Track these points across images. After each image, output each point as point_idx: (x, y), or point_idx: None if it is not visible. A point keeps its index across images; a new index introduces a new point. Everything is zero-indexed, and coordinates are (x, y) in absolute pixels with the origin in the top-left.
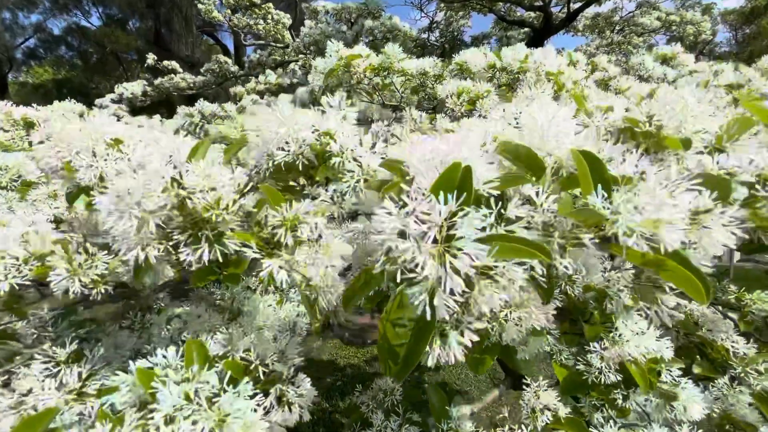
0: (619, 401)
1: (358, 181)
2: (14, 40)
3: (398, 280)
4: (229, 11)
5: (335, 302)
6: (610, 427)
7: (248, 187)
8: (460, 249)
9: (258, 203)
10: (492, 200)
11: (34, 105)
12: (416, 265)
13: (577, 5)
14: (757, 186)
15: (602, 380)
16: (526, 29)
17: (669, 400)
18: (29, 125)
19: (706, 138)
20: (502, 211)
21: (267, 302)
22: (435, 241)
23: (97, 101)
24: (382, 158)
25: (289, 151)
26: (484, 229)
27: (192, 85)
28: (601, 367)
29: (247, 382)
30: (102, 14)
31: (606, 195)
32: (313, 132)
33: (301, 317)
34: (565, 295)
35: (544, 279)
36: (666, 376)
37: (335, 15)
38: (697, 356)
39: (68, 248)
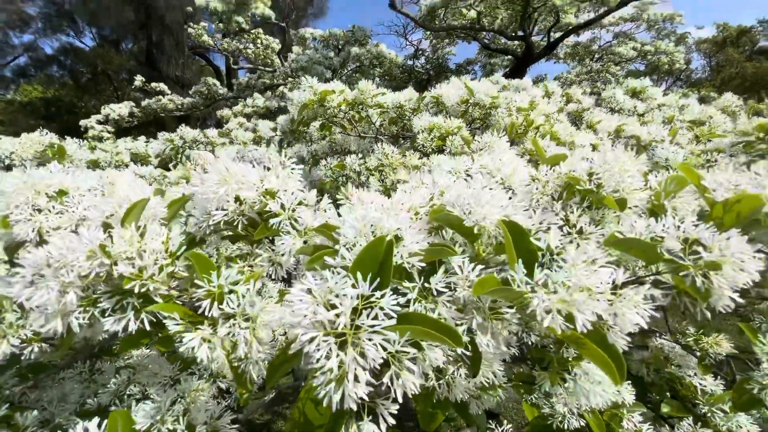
0: None
1: (294, 245)
2: (4, 58)
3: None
4: (219, 35)
5: (262, 375)
6: None
7: (182, 250)
8: (369, 339)
9: (189, 270)
10: (416, 273)
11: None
12: (322, 356)
13: (557, 35)
14: (681, 254)
15: (566, 426)
16: (509, 56)
17: None
18: None
19: (644, 196)
20: (427, 284)
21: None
22: (345, 327)
23: (82, 122)
24: (326, 219)
25: (227, 210)
26: (408, 302)
27: (180, 106)
28: (564, 412)
29: None
30: (95, 35)
31: (527, 270)
32: (255, 191)
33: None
34: (521, 341)
35: (469, 354)
36: (627, 424)
37: (323, 42)
38: (667, 393)
39: (2, 305)
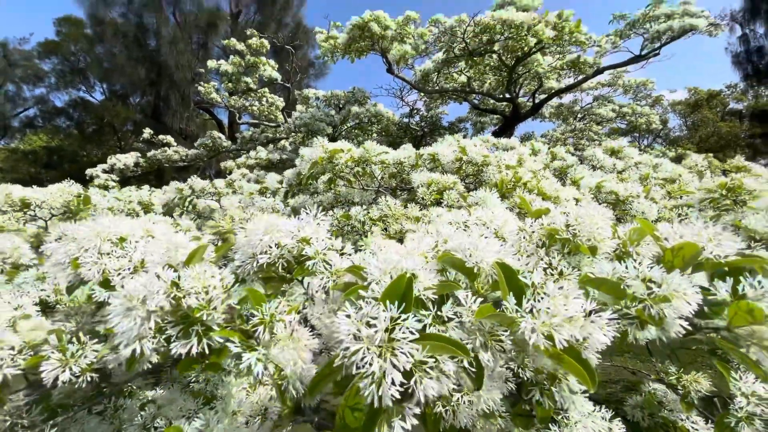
0: None
1: (328, 281)
2: (14, 109)
3: (353, 373)
4: (227, 94)
5: (303, 389)
6: None
7: (234, 286)
8: (399, 348)
9: (241, 300)
10: (430, 303)
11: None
12: (365, 363)
13: (542, 97)
14: (644, 287)
15: None
16: (498, 115)
17: None
18: (26, 205)
19: (612, 244)
20: (439, 312)
21: (240, 385)
22: (381, 341)
23: (88, 171)
24: (350, 261)
25: (270, 254)
26: (425, 327)
27: (184, 157)
28: None
29: None
30: (106, 90)
31: (517, 301)
32: (292, 238)
33: (273, 401)
34: (517, 377)
35: (474, 370)
36: None
37: (325, 101)
38: None
39: (62, 337)
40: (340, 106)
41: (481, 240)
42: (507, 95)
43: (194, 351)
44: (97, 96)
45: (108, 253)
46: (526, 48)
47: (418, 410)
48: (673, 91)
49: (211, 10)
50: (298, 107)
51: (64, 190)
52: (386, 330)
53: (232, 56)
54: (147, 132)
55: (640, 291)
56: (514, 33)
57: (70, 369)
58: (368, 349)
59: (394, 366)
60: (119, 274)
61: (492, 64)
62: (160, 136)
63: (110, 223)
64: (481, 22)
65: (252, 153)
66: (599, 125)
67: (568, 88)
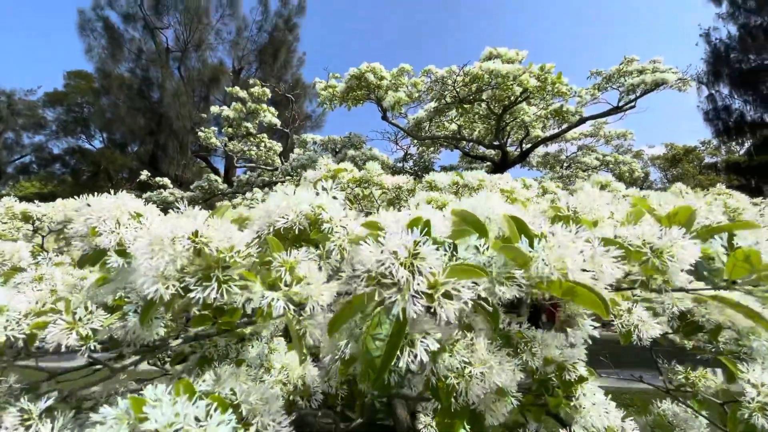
0: None
1: (343, 241)
2: (11, 156)
3: (375, 300)
4: (226, 138)
5: (320, 337)
6: None
7: (253, 243)
8: (423, 258)
9: (262, 254)
10: (446, 245)
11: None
12: (391, 273)
13: (528, 146)
14: (641, 248)
15: None
16: (487, 163)
17: None
18: (27, 218)
19: (611, 223)
20: (454, 253)
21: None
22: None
23: None
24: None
25: (287, 219)
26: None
27: (179, 199)
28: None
29: (231, 414)
30: (105, 138)
31: (529, 244)
32: (309, 205)
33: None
34: (527, 369)
35: (490, 309)
36: None
37: (322, 145)
38: None
39: (70, 304)
40: (337, 150)
41: (489, 199)
42: (496, 143)
43: (213, 296)
44: (96, 144)
45: (125, 225)
46: (512, 97)
47: (438, 336)
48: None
49: (214, 66)
50: (296, 150)
51: (66, 206)
52: (409, 247)
53: (234, 102)
54: (144, 174)
55: (642, 246)
56: (501, 82)
57: (78, 332)
58: (395, 258)
59: (420, 272)
60: (136, 240)
61: (481, 112)
62: (157, 178)
63: (129, 199)
64: (470, 72)
65: (248, 194)
66: (585, 172)
67: (554, 136)
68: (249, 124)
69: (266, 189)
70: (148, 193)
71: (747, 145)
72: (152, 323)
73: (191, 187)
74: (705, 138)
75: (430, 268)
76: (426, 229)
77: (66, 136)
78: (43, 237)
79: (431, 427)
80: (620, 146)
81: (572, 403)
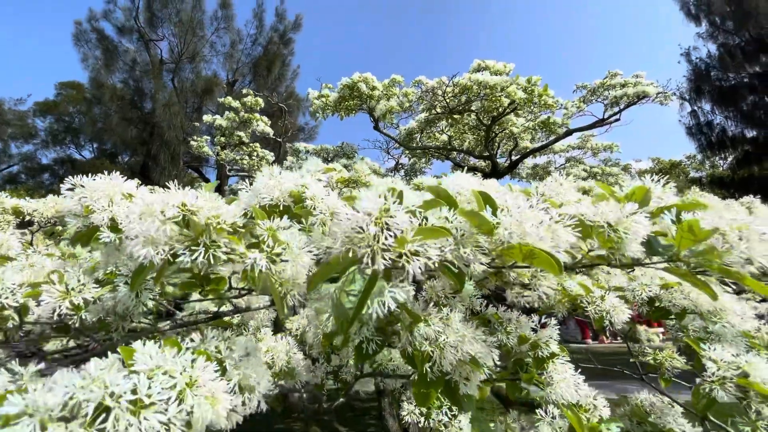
0: None
1: (325, 215)
2: None
3: (350, 259)
4: (219, 147)
5: (299, 299)
6: None
7: (239, 217)
8: (392, 216)
9: (247, 222)
10: (418, 213)
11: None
12: (363, 230)
13: (517, 157)
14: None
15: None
16: (478, 174)
17: None
18: (18, 214)
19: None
20: (425, 221)
21: None
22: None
23: None
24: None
25: (272, 197)
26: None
27: None
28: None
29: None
30: (95, 149)
31: (492, 213)
32: (293, 184)
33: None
34: (503, 348)
35: (456, 270)
36: None
37: (315, 154)
38: None
39: (63, 276)
40: (329, 159)
41: (459, 179)
42: (486, 153)
43: (200, 259)
44: (86, 154)
45: (117, 204)
46: (500, 108)
47: (409, 288)
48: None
49: (208, 78)
50: (289, 158)
51: (57, 202)
52: (381, 210)
53: (227, 112)
54: (135, 182)
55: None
56: (489, 93)
57: (71, 301)
58: (369, 219)
59: (388, 229)
60: (128, 217)
61: (470, 123)
62: (149, 187)
63: (122, 180)
64: (459, 83)
65: None
66: (574, 184)
67: (542, 147)
68: (242, 133)
69: None
70: None
71: (729, 159)
72: (141, 294)
73: None
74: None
75: (399, 225)
76: (399, 199)
77: (56, 145)
78: (32, 234)
79: (413, 413)
80: (608, 160)
81: (543, 377)
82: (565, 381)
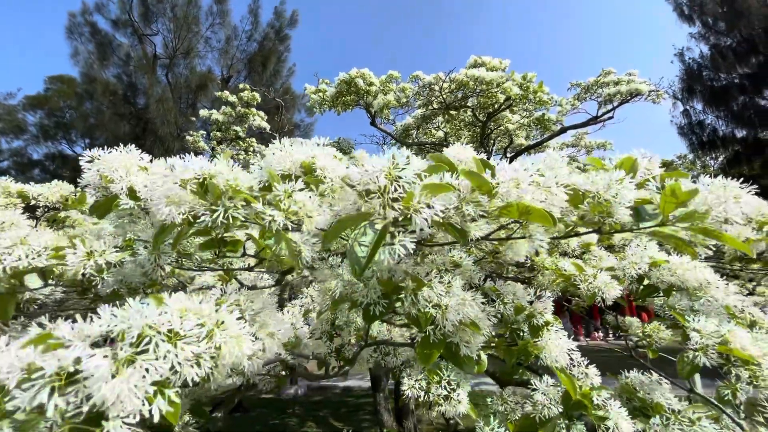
0: (563, 429)
1: (334, 183)
2: None
3: (361, 214)
4: (215, 143)
5: (310, 257)
6: None
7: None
8: (401, 170)
9: (261, 189)
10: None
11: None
12: (374, 182)
13: (512, 154)
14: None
15: (547, 414)
16: None
17: (601, 421)
18: (23, 197)
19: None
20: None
21: None
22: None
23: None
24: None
25: (284, 167)
26: None
27: None
28: (544, 400)
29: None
30: (87, 144)
31: (491, 175)
32: (304, 155)
33: None
34: (501, 319)
35: (459, 228)
36: (596, 399)
37: None
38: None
39: (85, 240)
40: None
41: (461, 148)
42: (481, 150)
43: (220, 219)
44: (77, 150)
45: (134, 175)
46: (496, 104)
47: (413, 237)
48: None
49: (202, 74)
50: None
51: (62, 187)
52: (390, 167)
53: (224, 106)
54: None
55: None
56: (485, 89)
57: (95, 262)
58: (377, 174)
59: (397, 182)
60: (146, 186)
61: (466, 119)
62: None
63: (138, 154)
64: (455, 79)
65: None
66: None
67: (537, 144)
68: (238, 128)
69: None
70: None
71: (720, 159)
72: (159, 258)
73: None
74: (681, 152)
75: (407, 179)
76: (407, 162)
77: (46, 141)
78: (37, 219)
79: (414, 387)
80: (601, 158)
81: (538, 342)
82: (558, 346)
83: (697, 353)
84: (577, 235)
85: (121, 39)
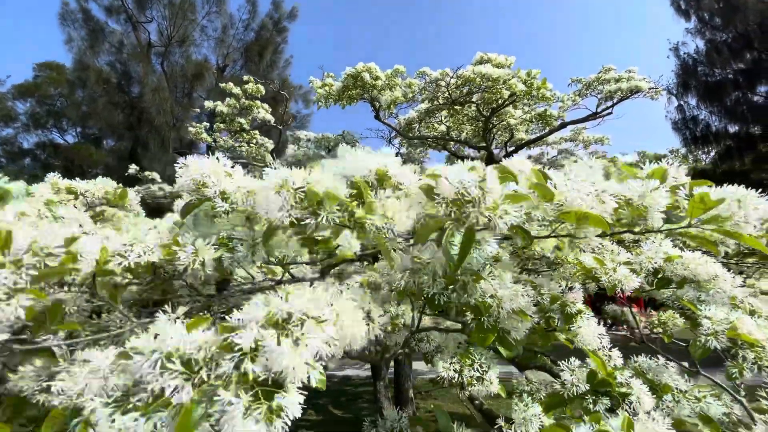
0: (590, 406)
1: (409, 189)
2: None
3: (448, 219)
4: (217, 134)
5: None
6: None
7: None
8: (487, 185)
9: (353, 195)
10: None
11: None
12: (467, 193)
13: (512, 148)
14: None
15: (575, 392)
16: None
17: (624, 397)
18: (72, 193)
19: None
20: None
21: None
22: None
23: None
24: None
25: (362, 174)
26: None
27: (168, 194)
28: (572, 379)
29: None
30: (78, 133)
31: (553, 185)
32: (377, 164)
33: None
34: (539, 307)
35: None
36: (620, 378)
37: (316, 142)
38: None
39: (195, 240)
40: (330, 147)
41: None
42: (482, 144)
43: (323, 220)
44: (69, 139)
45: (223, 181)
46: (500, 100)
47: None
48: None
49: (198, 63)
50: (290, 147)
51: (106, 183)
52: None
53: (228, 98)
54: (132, 167)
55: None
56: (491, 85)
57: (203, 258)
58: (472, 186)
59: (485, 197)
60: (239, 190)
61: (470, 114)
62: (146, 173)
63: (225, 161)
64: (462, 75)
65: None
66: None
67: (537, 139)
68: (243, 120)
69: None
70: (137, 187)
71: (712, 154)
72: (255, 254)
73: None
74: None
75: (492, 192)
76: (483, 174)
77: (37, 129)
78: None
79: (449, 370)
80: (596, 152)
81: (572, 329)
82: (591, 332)
83: (708, 337)
84: (612, 234)
85: (114, 26)
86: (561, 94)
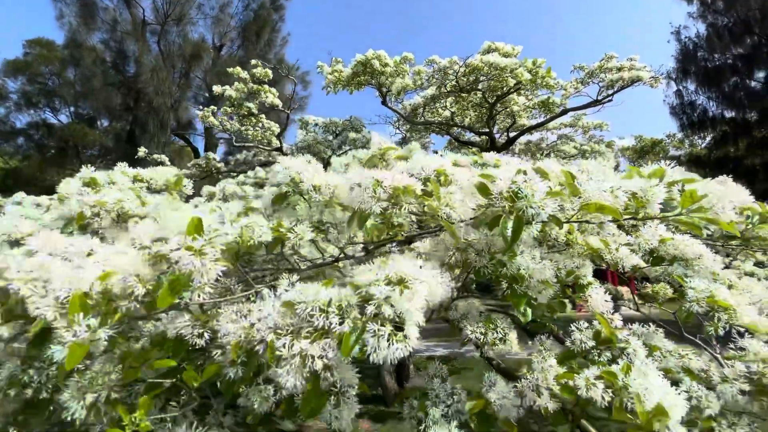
0: (596, 358)
1: (464, 187)
2: None
3: (502, 209)
4: (225, 118)
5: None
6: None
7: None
8: (533, 183)
9: (425, 192)
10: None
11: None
12: (520, 189)
13: (513, 134)
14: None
15: (583, 347)
16: (475, 149)
17: (623, 351)
18: (139, 180)
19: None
20: None
21: None
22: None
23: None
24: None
25: (424, 173)
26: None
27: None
28: (581, 337)
29: None
30: (71, 113)
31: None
32: (438, 164)
33: None
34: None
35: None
36: (620, 336)
37: (324, 127)
38: None
39: (295, 224)
40: (337, 132)
41: (550, 161)
42: (485, 129)
43: (405, 211)
44: (63, 119)
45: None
46: (505, 88)
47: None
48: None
49: (195, 42)
50: (299, 132)
51: (167, 171)
52: (525, 181)
53: (236, 83)
54: (142, 150)
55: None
56: (498, 74)
57: (301, 237)
58: (531, 182)
59: (533, 193)
60: (327, 185)
61: (475, 101)
62: (155, 156)
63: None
64: (471, 64)
65: (250, 173)
66: (564, 160)
67: (538, 125)
68: (251, 104)
69: (266, 167)
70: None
71: (708, 139)
72: (353, 231)
73: (188, 165)
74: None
75: (536, 189)
76: (525, 175)
77: (29, 108)
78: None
79: (476, 332)
80: (593, 137)
81: (583, 296)
82: (599, 297)
83: (692, 303)
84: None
85: (107, 1)
86: (564, 82)
